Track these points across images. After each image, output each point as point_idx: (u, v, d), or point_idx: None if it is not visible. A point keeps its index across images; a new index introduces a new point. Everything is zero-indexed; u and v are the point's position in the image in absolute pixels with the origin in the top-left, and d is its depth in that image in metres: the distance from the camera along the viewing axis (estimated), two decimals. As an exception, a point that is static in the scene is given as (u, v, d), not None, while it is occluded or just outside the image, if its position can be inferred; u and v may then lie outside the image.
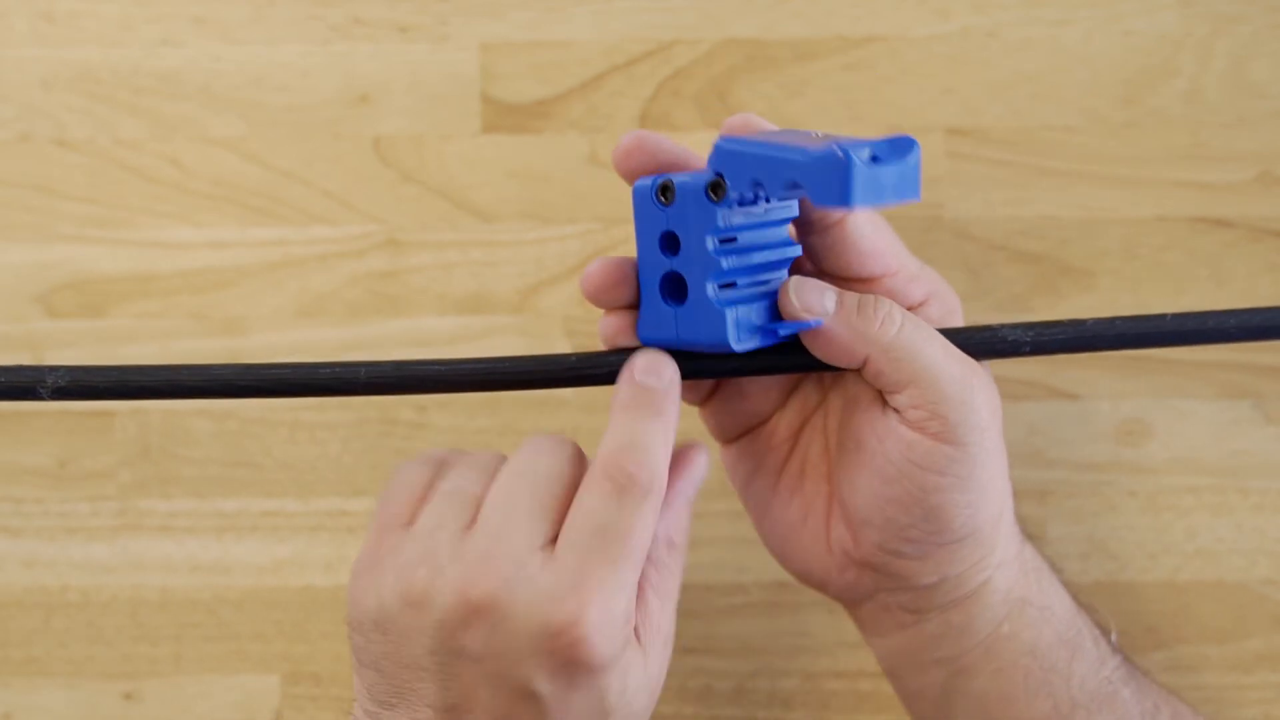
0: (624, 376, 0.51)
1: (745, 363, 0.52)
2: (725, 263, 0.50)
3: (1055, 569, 0.56)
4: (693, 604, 0.65)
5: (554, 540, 0.48)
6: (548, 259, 0.65)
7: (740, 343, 0.50)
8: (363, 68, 0.65)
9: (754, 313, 0.51)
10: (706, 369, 0.52)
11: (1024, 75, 0.64)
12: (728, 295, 0.50)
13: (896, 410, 0.51)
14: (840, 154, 0.45)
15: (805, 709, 0.65)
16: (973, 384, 0.51)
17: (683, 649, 0.65)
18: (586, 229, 0.65)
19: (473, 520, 0.49)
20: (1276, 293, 0.64)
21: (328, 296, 0.65)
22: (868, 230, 0.52)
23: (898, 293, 0.53)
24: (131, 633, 0.65)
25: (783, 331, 0.51)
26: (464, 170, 0.65)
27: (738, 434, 0.56)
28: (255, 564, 0.65)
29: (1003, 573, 0.53)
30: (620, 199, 0.65)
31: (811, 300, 0.51)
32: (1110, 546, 0.64)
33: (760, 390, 0.55)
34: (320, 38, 0.65)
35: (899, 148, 0.47)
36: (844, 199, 0.45)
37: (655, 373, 0.50)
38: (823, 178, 0.46)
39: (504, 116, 0.65)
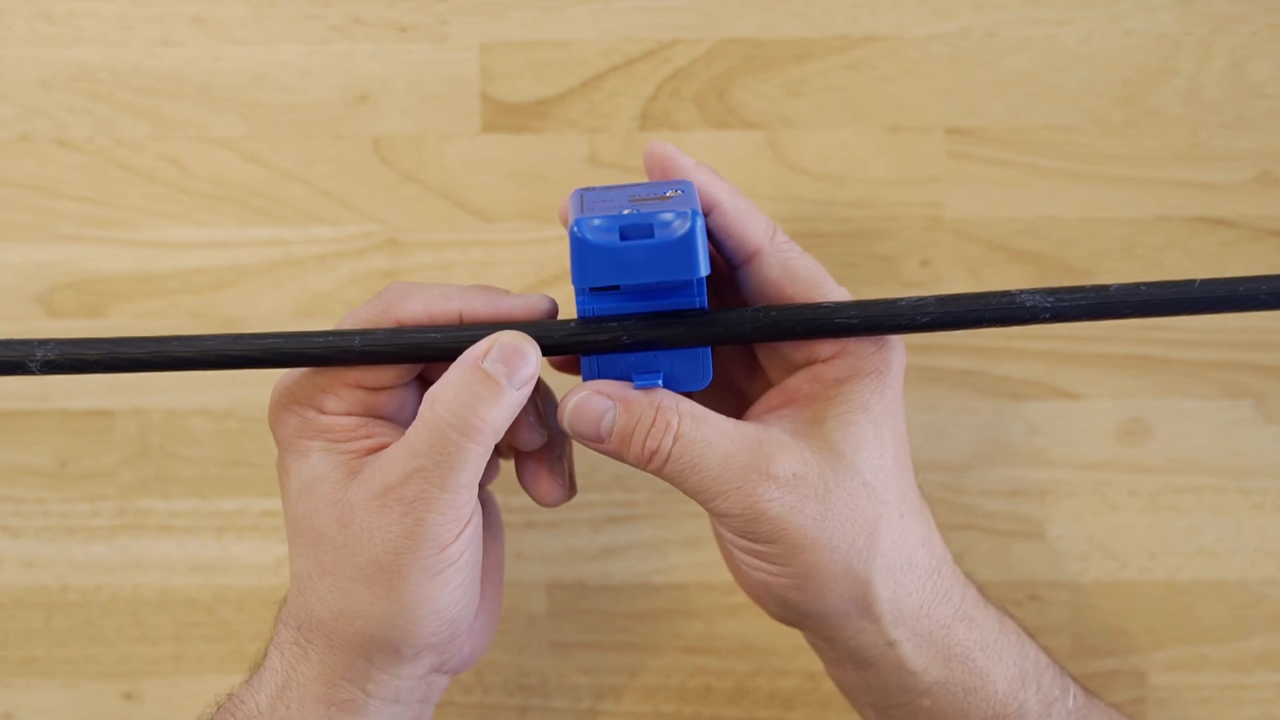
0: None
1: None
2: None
3: (1009, 633, 0.54)
4: (693, 604, 0.65)
5: None
6: (547, 259, 0.65)
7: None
8: (363, 67, 0.65)
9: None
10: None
11: (1024, 75, 0.64)
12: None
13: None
14: (576, 230, 0.48)
15: (805, 709, 0.65)
16: (761, 490, 0.50)
17: (683, 649, 0.65)
18: (586, 229, 0.65)
19: None
20: (1276, 292, 0.64)
21: (327, 296, 0.65)
22: (730, 217, 0.52)
23: (755, 274, 0.52)
24: (131, 633, 0.65)
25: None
26: (464, 170, 0.65)
27: None
28: (255, 564, 0.65)
29: (910, 652, 0.52)
30: (620, 199, 0.65)
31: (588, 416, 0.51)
32: (1110, 546, 0.64)
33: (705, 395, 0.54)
34: (320, 37, 0.65)
35: (664, 225, 0.48)
36: (573, 276, 0.49)
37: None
38: (572, 250, 0.49)
39: (504, 116, 0.65)
